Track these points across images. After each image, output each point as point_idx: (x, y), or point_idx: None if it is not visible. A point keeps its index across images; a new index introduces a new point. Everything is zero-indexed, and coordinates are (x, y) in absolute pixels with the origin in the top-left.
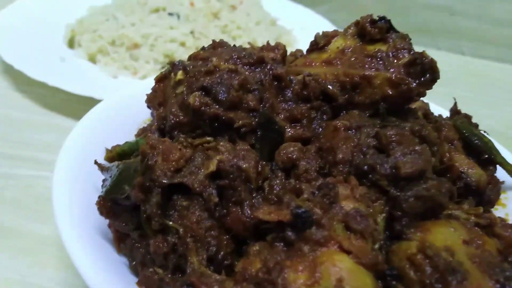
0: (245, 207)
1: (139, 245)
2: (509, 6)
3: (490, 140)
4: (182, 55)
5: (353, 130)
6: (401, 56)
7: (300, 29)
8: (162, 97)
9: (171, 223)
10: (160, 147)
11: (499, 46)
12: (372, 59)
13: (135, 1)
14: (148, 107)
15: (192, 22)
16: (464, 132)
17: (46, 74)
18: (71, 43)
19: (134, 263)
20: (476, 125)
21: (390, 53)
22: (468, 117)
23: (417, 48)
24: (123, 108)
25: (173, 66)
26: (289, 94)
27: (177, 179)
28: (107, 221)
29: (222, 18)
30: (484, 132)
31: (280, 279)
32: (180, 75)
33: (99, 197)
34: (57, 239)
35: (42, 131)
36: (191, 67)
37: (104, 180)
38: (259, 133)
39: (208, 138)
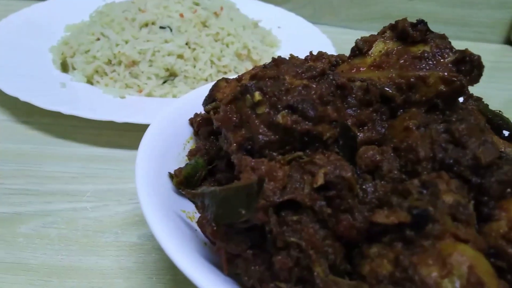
0: (356, 214)
1: (254, 264)
2: None
3: (508, 118)
4: (182, 67)
5: (422, 128)
6: (446, 55)
7: (277, 28)
8: (238, 119)
9: (292, 239)
10: (262, 167)
11: (455, 25)
12: (421, 60)
13: (122, 17)
14: (213, 128)
15: (185, 33)
16: (488, 115)
17: (56, 103)
18: (63, 67)
19: (251, 281)
20: (487, 105)
21: (435, 53)
22: (479, 99)
23: None
24: (166, 130)
25: (245, 87)
26: (353, 101)
27: (286, 196)
28: (196, 245)
29: (211, 26)
30: (499, 111)
31: (416, 275)
32: (258, 96)
33: (210, 224)
34: (119, 270)
35: (61, 162)
36: (265, 87)
37: (206, 208)
38: (340, 142)
39: (299, 153)
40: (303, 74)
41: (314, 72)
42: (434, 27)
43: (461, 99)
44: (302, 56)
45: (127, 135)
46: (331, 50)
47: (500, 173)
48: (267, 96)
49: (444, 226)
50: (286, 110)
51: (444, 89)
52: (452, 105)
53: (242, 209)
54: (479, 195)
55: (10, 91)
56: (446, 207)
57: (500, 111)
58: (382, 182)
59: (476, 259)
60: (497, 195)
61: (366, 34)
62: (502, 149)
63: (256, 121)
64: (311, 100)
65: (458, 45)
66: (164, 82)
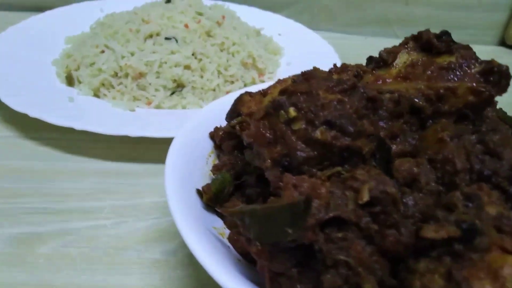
0: (402, 229)
1: (299, 282)
2: None
3: None
4: (190, 78)
5: (456, 139)
6: (472, 66)
7: (277, 36)
8: (272, 134)
9: (341, 256)
10: (305, 185)
11: (449, 27)
12: (448, 71)
13: (125, 28)
14: (245, 144)
15: (190, 44)
16: (508, 122)
17: (67, 118)
18: (68, 80)
19: None
20: (505, 112)
21: (461, 64)
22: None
23: (378, 39)
24: (189, 145)
25: (278, 103)
26: (383, 113)
27: (331, 213)
28: (232, 261)
29: (215, 36)
30: None
31: None
32: (293, 111)
33: (254, 243)
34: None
35: (75, 178)
36: (299, 103)
37: (246, 226)
38: (377, 155)
39: (338, 168)
40: (334, 88)
41: (345, 86)
42: (430, 30)
43: None
44: (308, 63)
45: (138, 147)
46: (334, 57)
47: None
48: (302, 111)
49: (491, 239)
50: (324, 126)
51: (473, 100)
52: (479, 114)
53: (289, 228)
54: None
55: (19, 107)
56: (490, 219)
57: None
58: (420, 194)
59: None
60: None
61: (364, 38)
62: None
63: (293, 137)
64: (348, 115)
65: None
66: (172, 93)
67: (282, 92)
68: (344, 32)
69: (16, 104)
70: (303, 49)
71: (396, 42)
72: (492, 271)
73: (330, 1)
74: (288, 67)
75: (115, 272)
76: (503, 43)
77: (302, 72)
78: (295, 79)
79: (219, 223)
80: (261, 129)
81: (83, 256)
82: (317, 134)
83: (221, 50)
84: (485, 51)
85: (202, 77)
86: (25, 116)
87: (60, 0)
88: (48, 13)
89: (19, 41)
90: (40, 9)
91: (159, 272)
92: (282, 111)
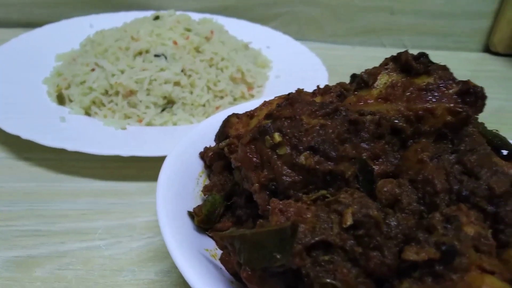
0: (385, 251)
1: None
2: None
3: (506, 138)
4: (180, 94)
5: (435, 160)
6: (449, 86)
7: (266, 48)
8: (258, 159)
9: (328, 280)
10: (291, 209)
11: (435, 35)
12: (426, 92)
13: (115, 46)
14: (237, 167)
15: (179, 61)
16: (488, 136)
17: (59, 139)
18: (59, 99)
19: None
20: (486, 127)
21: (439, 85)
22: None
23: (366, 48)
24: (179, 166)
25: (264, 128)
26: (365, 135)
27: (317, 238)
28: (225, 284)
29: (204, 52)
30: (496, 131)
31: None
32: (278, 137)
33: (244, 269)
34: None
35: (69, 199)
36: (284, 128)
37: (237, 251)
38: (360, 177)
39: (323, 192)
40: (317, 112)
41: (328, 110)
42: (416, 38)
43: None
44: (296, 76)
45: (131, 166)
46: (321, 69)
47: None
48: (287, 137)
49: (470, 259)
50: (308, 151)
51: (451, 120)
52: (458, 133)
53: (277, 254)
54: (495, 224)
55: (11, 129)
56: (469, 239)
57: (497, 130)
58: (403, 214)
59: None
60: None
61: (352, 48)
62: (508, 172)
63: (278, 162)
64: (331, 140)
65: (439, 55)
66: (163, 110)
67: (267, 116)
68: (332, 43)
69: (9, 126)
70: (291, 62)
71: (383, 51)
72: None
73: (318, 12)
74: (277, 80)
75: None
76: (487, 49)
77: (286, 96)
78: (280, 103)
79: (211, 244)
80: (248, 154)
81: (79, 278)
82: (302, 159)
83: (210, 66)
84: (470, 58)
85: (192, 93)
86: (17, 137)
87: (49, 16)
88: (38, 30)
89: (10, 59)
90: (28, 25)
91: None
92: (268, 136)
